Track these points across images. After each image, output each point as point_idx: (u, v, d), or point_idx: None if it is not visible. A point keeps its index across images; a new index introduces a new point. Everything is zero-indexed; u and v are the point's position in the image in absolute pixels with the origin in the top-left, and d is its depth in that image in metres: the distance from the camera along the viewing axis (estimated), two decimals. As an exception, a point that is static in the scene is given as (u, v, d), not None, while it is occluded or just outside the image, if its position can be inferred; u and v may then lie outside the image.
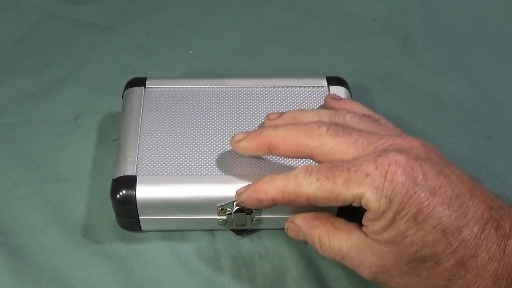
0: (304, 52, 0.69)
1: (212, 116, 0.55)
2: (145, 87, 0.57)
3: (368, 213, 0.41)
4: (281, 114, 0.50)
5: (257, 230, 0.53)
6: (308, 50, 0.70)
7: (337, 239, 0.44)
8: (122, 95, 0.58)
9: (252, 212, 0.50)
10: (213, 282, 0.50)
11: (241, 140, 0.47)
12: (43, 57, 0.67)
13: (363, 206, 0.41)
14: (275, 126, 0.46)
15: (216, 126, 0.54)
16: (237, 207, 0.49)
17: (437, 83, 0.65)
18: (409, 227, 0.39)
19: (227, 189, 0.49)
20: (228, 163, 0.51)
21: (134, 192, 0.49)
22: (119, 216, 0.52)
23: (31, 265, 0.51)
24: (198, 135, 0.53)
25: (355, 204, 0.42)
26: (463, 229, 0.38)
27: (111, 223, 0.54)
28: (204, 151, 0.52)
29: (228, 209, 0.49)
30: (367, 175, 0.40)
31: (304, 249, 0.52)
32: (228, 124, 0.54)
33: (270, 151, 0.46)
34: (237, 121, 0.55)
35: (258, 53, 0.69)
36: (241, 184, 0.47)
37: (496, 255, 0.38)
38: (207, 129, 0.54)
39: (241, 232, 0.52)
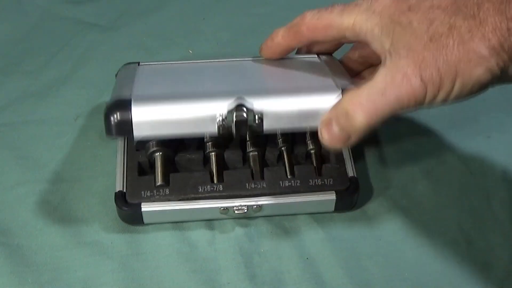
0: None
1: (207, 73, 0.54)
2: (138, 65, 0.57)
3: (368, 35, 0.45)
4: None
5: (257, 230, 0.53)
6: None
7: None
8: (116, 75, 0.57)
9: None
10: (212, 281, 0.50)
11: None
12: (43, 57, 0.67)
13: (357, 33, 0.45)
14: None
15: (213, 78, 0.54)
16: (237, 118, 0.47)
17: (437, 83, 0.65)
18: (409, 15, 0.42)
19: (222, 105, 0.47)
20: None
21: (130, 113, 0.47)
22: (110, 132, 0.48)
23: (32, 265, 0.51)
24: (192, 80, 0.53)
25: (352, 37, 0.46)
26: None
27: (111, 222, 0.54)
28: (198, 84, 0.52)
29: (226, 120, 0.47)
30: (356, 4, 0.46)
31: (304, 250, 0.52)
32: (225, 80, 0.54)
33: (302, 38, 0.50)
34: (232, 77, 0.54)
35: (257, 54, 0.69)
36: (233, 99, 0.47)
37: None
38: (201, 76, 0.53)
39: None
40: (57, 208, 0.55)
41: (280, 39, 0.52)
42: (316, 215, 0.55)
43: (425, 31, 0.41)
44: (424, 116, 0.63)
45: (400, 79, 0.41)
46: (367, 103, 0.43)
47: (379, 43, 0.44)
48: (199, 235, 0.53)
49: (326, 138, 0.46)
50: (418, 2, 0.43)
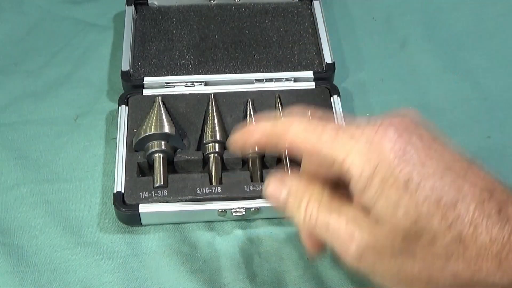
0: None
1: None
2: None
3: (353, 181, 0.37)
4: None
5: (257, 230, 0.53)
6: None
7: (329, 206, 0.39)
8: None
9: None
10: (212, 282, 0.50)
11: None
12: (43, 57, 0.66)
13: (345, 172, 0.37)
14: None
15: None
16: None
17: (437, 83, 0.65)
18: (401, 197, 0.36)
19: None
20: None
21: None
22: None
23: (32, 265, 0.51)
24: None
25: (336, 170, 0.38)
26: (458, 203, 0.35)
27: (111, 222, 0.54)
28: None
29: None
30: (352, 137, 0.37)
31: (304, 250, 0.52)
32: None
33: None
34: None
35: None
36: None
37: (498, 238, 0.35)
38: None
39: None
40: (57, 208, 0.55)
41: (253, 142, 0.42)
42: (316, 215, 0.55)
43: (406, 227, 0.36)
44: (423, 117, 0.62)
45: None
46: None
47: (359, 192, 0.37)
48: (199, 235, 0.53)
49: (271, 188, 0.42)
50: (420, 180, 0.36)
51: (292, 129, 0.40)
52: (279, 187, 0.41)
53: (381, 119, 0.38)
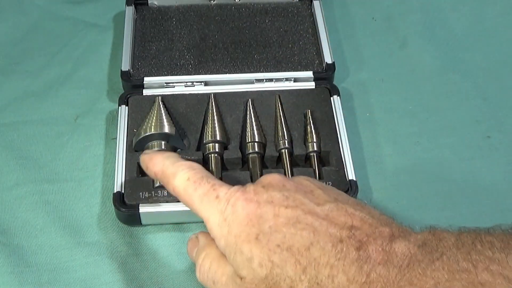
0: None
1: None
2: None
3: (216, 241, 0.41)
4: None
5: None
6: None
7: (217, 265, 0.43)
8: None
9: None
10: (213, 282, 0.50)
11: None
12: (43, 57, 0.67)
13: (209, 231, 0.42)
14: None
15: None
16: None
17: (437, 83, 0.65)
18: (252, 249, 0.39)
19: None
20: None
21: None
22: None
23: (31, 265, 0.51)
24: None
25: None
26: (312, 247, 0.37)
27: (111, 222, 0.54)
28: None
29: None
30: (217, 197, 0.41)
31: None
32: None
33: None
34: None
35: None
36: None
37: (356, 279, 0.36)
38: None
39: None
40: (57, 208, 0.55)
41: (152, 172, 0.46)
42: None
43: (263, 277, 0.38)
44: (423, 117, 0.63)
45: None
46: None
47: (223, 251, 0.41)
48: (199, 235, 0.53)
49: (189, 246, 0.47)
50: (271, 231, 0.39)
51: (177, 177, 0.44)
52: (194, 244, 0.46)
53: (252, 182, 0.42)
